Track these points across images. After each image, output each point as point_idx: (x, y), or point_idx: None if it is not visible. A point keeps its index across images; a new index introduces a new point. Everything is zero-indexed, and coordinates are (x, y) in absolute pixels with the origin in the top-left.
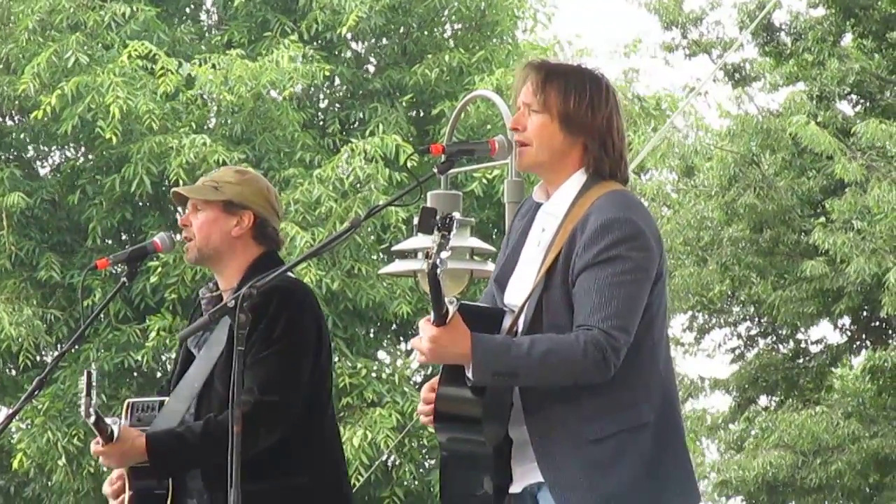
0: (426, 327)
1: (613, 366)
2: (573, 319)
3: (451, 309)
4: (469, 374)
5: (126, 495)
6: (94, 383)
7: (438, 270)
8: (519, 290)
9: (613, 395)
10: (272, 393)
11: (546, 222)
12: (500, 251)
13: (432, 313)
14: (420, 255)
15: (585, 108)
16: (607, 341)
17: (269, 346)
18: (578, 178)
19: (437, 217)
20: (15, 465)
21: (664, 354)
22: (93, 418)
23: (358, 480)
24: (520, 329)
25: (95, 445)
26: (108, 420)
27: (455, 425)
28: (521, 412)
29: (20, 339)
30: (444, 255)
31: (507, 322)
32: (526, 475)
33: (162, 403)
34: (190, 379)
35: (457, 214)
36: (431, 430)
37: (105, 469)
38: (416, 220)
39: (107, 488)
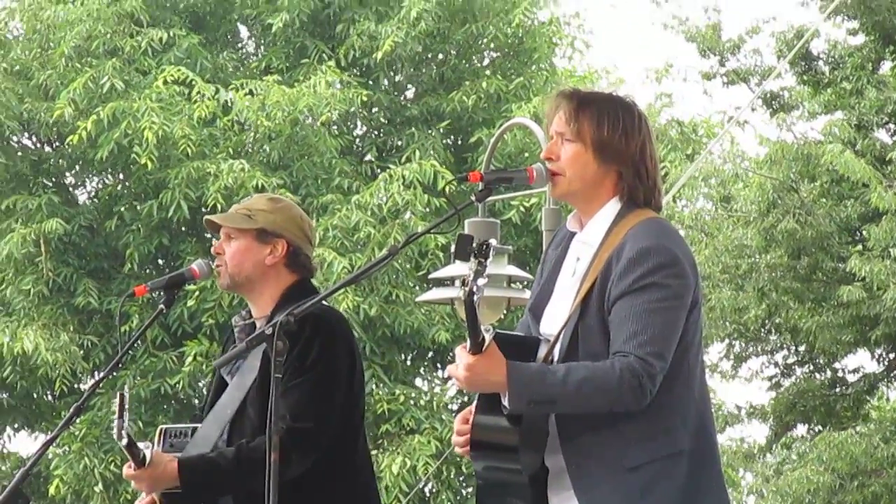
0: (462, 355)
1: (649, 392)
2: (609, 347)
3: (488, 337)
4: (505, 403)
5: None
6: (126, 406)
7: (475, 297)
8: (554, 320)
9: (649, 422)
10: (305, 420)
11: (580, 251)
12: (535, 281)
13: (468, 341)
14: (457, 282)
15: (619, 137)
16: (643, 368)
17: (301, 374)
18: (613, 207)
19: (474, 244)
20: (52, 491)
21: (699, 381)
22: (125, 441)
23: None
24: (555, 358)
25: (128, 469)
26: (140, 444)
27: (491, 454)
28: (557, 440)
29: (57, 366)
30: (480, 282)
31: (542, 351)
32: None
33: (195, 430)
34: (223, 406)
35: (493, 241)
36: (468, 458)
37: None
38: (452, 248)
39: None
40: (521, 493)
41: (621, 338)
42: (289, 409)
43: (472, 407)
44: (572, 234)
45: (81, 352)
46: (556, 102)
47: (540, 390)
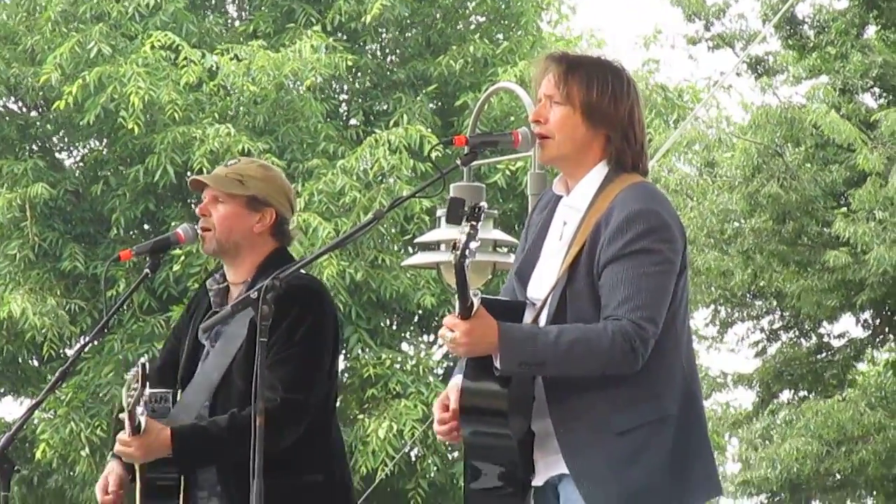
0: (453, 321)
1: (642, 357)
2: (599, 312)
3: (476, 301)
4: (496, 364)
5: (137, 486)
6: (147, 374)
7: (467, 262)
8: (542, 284)
9: (638, 387)
10: (297, 391)
11: (567, 215)
12: (520, 244)
13: (457, 306)
14: (443, 246)
15: (608, 100)
16: (636, 332)
17: (293, 345)
18: (600, 171)
19: (466, 207)
20: (38, 455)
21: (686, 346)
22: (140, 409)
23: (384, 472)
24: (542, 322)
25: (122, 436)
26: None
27: (480, 419)
28: (545, 404)
29: (44, 330)
30: (473, 245)
31: (528, 315)
32: (548, 467)
33: (174, 394)
34: (206, 372)
35: (485, 204)
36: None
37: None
38: (443, 211)
39: (101, 496)
40: (509, 457)
41: (613, 302)
42: (280, 380)
43: (450, 391)
44: (558, 198)
45: (68, 316)
46: (544, 65)
47: (531, 351)
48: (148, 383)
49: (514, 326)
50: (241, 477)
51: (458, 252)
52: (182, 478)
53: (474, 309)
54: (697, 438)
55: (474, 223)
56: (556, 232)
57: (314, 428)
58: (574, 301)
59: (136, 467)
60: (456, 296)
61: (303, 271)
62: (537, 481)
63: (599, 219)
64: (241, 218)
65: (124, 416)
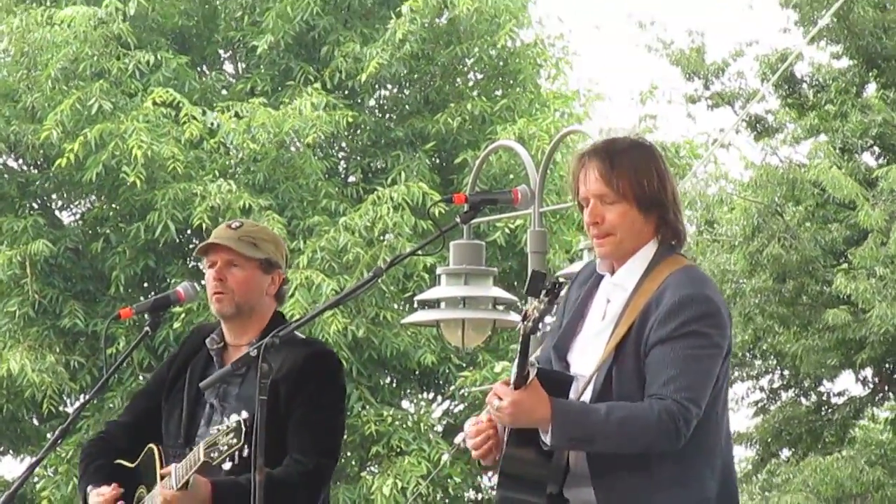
0: (505, 390)
1: (684, 436)
2: (643, 392)
3: (532, 372)
4: (546, 439)
5: None
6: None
7: (539, 334)
8: (586, 361)
9: (680, 468)
10: (329, 457)
11: (612, 294)
12: (556, 318)
13: (513, 374)
14: (443, 304)
15: (657, 186)
16: (680, 411)
17: (321, 411)
18: (648, 250)
19: (547, 281)
20: None
21: (725, 429)
22: (228, 466)
23: None
24: (587, 398)
25: (167, 491)
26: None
27: (518, 486)
28: (586, 478)
29: (43, 387)
30: (547, 320)
31: (573, 391)
32: None
33: (190, 450)
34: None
35: (564, 280)
36: (457, 478)
37: None
38: (442, 274)
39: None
40: None
41: (659, 381)
42: (315, 444)
43: (483, 414)
44: (600, 276)
45: (68, 373)
46: (581, 163)
47: (582, 428)
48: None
49: (566, 402)
50: None
51: (530, 323)
52: None
53: (529, 379)
54: None
55: (551, 298)
56: (600, 310)
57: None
58: (620, 380)
59: None
60: (514, 363)
61: (300, 334)
62: None
63: (650, 300)
64: (257, 281)
65: (177, 468)
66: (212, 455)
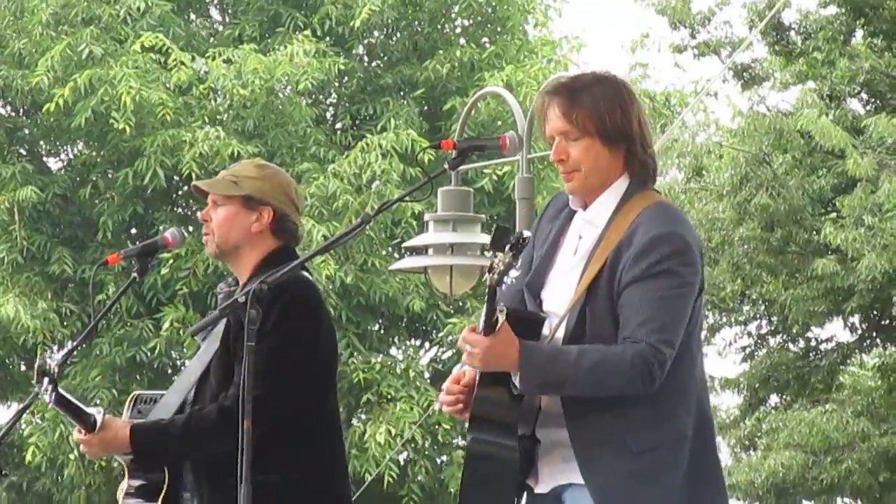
0: (475, 337)
1: (658, 379)
2: (618, 331)
3: (501, 318)
4: (516, 383)
5: (124, 484)
6: (54, 374)
7: (503, 287)
8: (558, 299)
9: (656, 407)
10: (257, 387)
11: (584, 230)
12: (525, 251)
13: (481, 322)
14: (431, 250)
15: (620, 116)
16: (654, 355)
17: (261, 340)
18: (620, 185)
19: (511, 236)
20: (28, 458)
21: (700, 366)
22: (61, 405)
23: (392, 478)
24: (559, 337)
25: (77, 434)
26: (90, 410)
27: (489, 428)
28: (553, 416)
29: (36, 332)
30: (512, 273)
31: (546, 329)
32: (554, 476)
33: (162, 396)
34: (187, 372)
35: (528, 233)
36: (446, 425)
37: (116, 464)
38: (430, 221)
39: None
40: (511, 468)
41: (632, 323)
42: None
43: (465, 369)
44: (572, 211)
45: (59, 319)
46: (544, 102)
47: (551, 373)
48: (53, 380)
49: (536, 347)
50: (216, 478)
51: (495, 276)
52: (167, 478)
53: (498, 325)
54: (710, 457)
55: (516, 253)
56: (571, 246)
57: (280, 425)
58: (593, 320)
59: (124, 467)
60: (482, 311)
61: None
62: (541, 489)
63: (621, 238)
64: (237, 218)
65: (97, 410)
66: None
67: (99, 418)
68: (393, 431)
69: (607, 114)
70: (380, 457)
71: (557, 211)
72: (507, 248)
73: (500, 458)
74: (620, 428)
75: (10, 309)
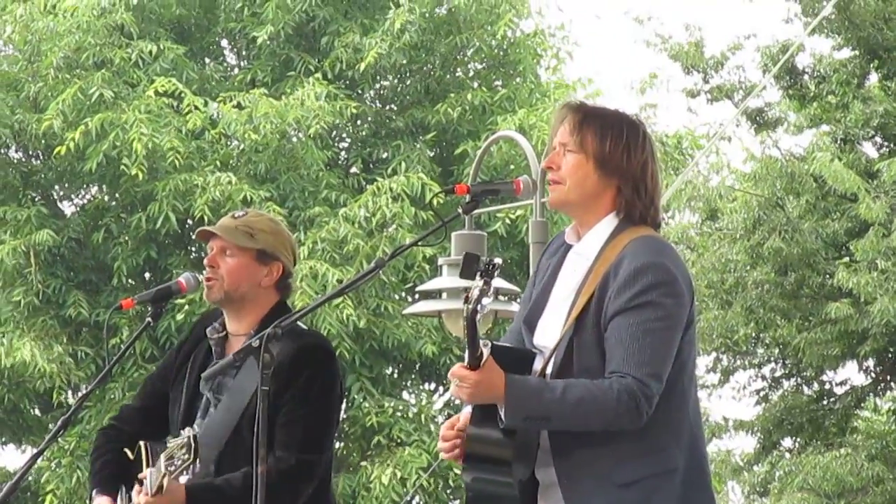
0: (460, 371)
1: (645, 414)
2: (604, 364)
3: (486, 352)
4: (501, 416)
5: None
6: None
7: (479, 316)
8: (549, 332)
9: (643, 440)
10: (311, 452)
11: (576, 264)
12: (527, 289)
13: (466, 356)
14: (445, 294)
15: (621, 152)
16: (640, 389)
17: (307, 405)
18: (610, 222)
19: (481, 263)
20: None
21: (693, 399)
22: (184, 478)
23: None
24: (549, 371)
25: (142, 497)
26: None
27: (483, 466)
28: (549, 454)
29: (52, 376)
30: (485, 301)
31: (537, 364)
32: None
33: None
34: (213, 427)
35: (499, 261)
36: (458, 470)
37: None
38: (444, 265)
39: None
40: (509, 503)
41: (618, 357)
42: (296, 439)
43: (461, 414)
44: (569, 246)
45: (74, 363)
46: (560, 114)
47: (536, 406)
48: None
49: (521, 380)
50: None
51: (471, 306)
52: None
53: (483, 359)
54: (703, 492)
55: (488, 279)
56: (565, 280)
57: (319, 487)
58: (581, 352)
59: None
60: (466, 346)
61: (302, 325)
62: None
63: (608, 270)
64: (249, 271)
65: (151, 473)
66: (170, 468)
67: (165, 482)
68: (399, 475)
69: (611, 143)
70: (383, 497)
71: (557, 247)
72: (478, 275)
73: (500, 496)
74: (605, 461)
75: (27, 353)
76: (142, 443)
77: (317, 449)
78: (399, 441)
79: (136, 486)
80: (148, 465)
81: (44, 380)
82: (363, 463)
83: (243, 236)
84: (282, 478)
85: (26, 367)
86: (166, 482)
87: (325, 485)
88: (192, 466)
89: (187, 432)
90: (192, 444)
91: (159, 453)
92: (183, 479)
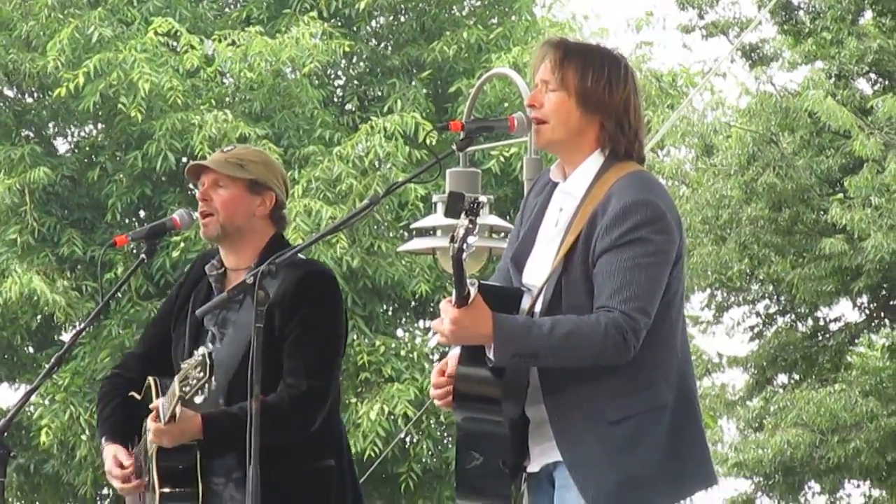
0: (448, 309)
1: (633, 348)
2: (593, 301)
3: (473, 290)
4: (490, 355)
5: (152, 470)
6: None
7: (464, 255)
8: (538, 271)
9: (632, 376)
10: (321, 378)
11: (564, 202)
12: (514, 228)
13: (454, 295)
14: (439, 232)
15: (603, 87)
16: (628, 323)
17: (314, 332)
18: (596, 159)
19: (465, 201)
20: (42, 439)
21: (681, 335)
22: (199, 398)
23: (374, 454)
24: (538, 310)
25: (155, 423)
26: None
27: (473, 405)
28: (539, 391)
29: (59, 308)
30: (471, 240)
31: (525, 302)
32: (544, 454)
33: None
34: (221, 360)
35: (484, 199)
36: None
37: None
38: (439, 197)
39: (117, 471)
40: (501, 443)
41: (606, 293)
42: (305, 367)
43: (449, 359)
44: (555, 184)
45: (80, 295)
46: (542, 51)
47: (525, 343)
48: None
49: (509, 318)
50: (261, 463)
51: (456, 245)
52: (198, 463)
53: (471, 298)
54: (692, 427)
55: (473, 217)
56: (553, 218)
57: (327, 414)
58: (569, 290)
59: (152, 454)
60: (453, 285)
61: (302, 256)
62: (533, 467)
63: (596, 207)
64: (243, 201)
65: (163, 402)
66: (184, 389)
67: (179, 410)
68: (387, 410)
69: (592, 79)
70: (369, 432)
71: (543, 185)
72: (463, 213)
73: (491, 434)
74: (597, 398)
75: (38, 282)
76: (151, 378)
77: (326, 375)
78: (389, 378)
79: (151, 416)
80: (158, 397)
81: (55, 309)
82: (353, 400)
83: (234, 167)
84: (294, 404)
85: (36, 298)
86: (179, 410)
87: (334, 410)
88: (207, 385)
89: (201, 350)
90: (208, 361)
91: (169, 386)
92: (198, 399)
